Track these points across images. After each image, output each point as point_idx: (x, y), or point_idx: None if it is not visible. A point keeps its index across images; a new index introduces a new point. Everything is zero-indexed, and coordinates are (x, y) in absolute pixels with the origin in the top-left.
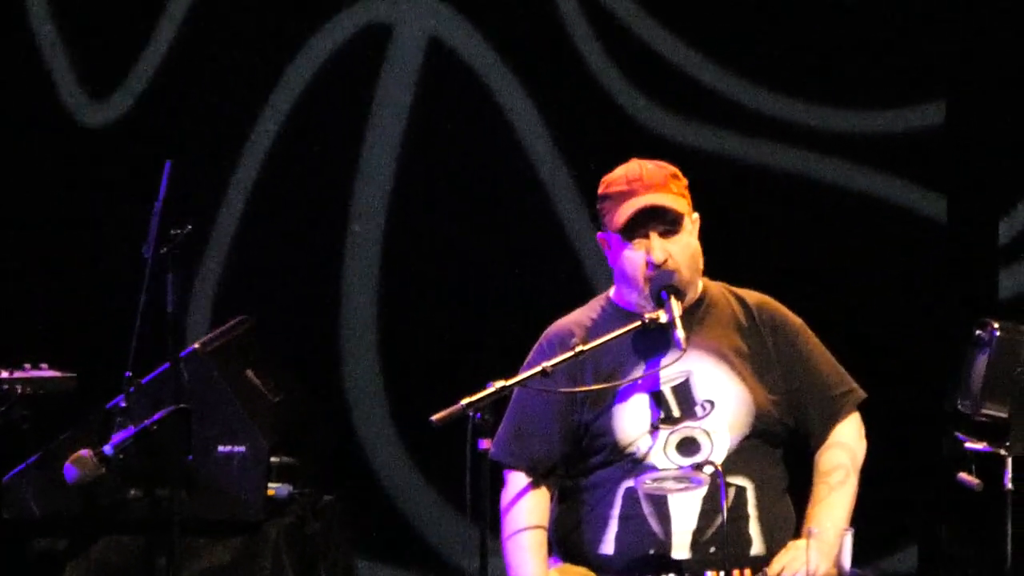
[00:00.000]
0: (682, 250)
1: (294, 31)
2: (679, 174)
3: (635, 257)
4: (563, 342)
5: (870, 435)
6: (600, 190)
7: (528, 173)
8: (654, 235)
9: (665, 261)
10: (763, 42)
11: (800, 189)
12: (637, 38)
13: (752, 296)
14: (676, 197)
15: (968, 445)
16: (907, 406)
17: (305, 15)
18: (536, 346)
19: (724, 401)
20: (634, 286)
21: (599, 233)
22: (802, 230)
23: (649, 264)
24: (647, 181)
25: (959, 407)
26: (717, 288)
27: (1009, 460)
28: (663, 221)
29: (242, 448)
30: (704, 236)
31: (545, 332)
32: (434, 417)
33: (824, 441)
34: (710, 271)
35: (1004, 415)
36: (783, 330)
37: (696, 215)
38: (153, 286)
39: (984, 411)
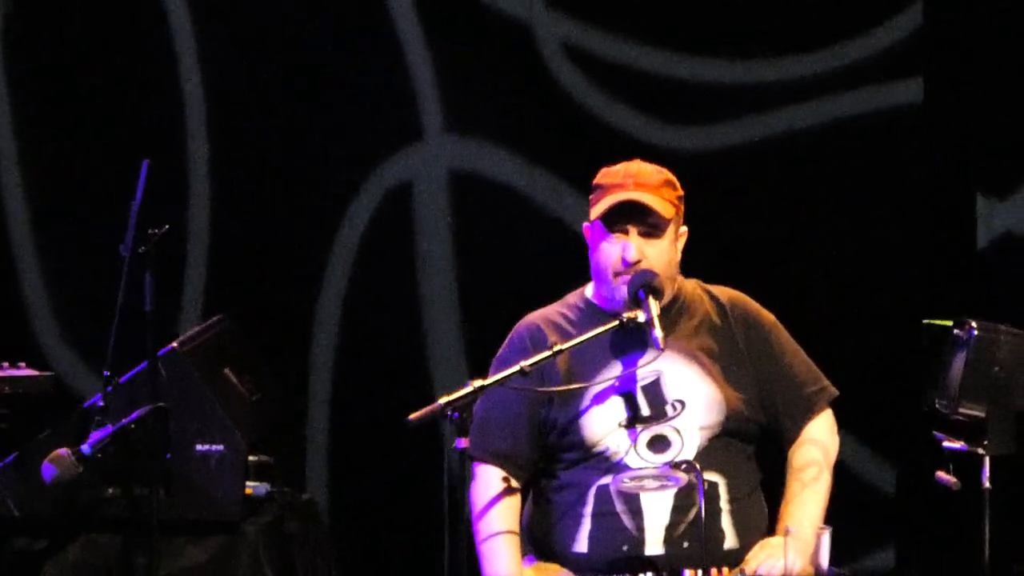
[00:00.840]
0: (659, 254)
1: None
2: (676, 183)
3: (610, 251)
4: (536, 337)
5: (847, 433)
6: (595, 179)
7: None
8: (633, 233)
9: (639, 261)
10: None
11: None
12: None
13: (725, 293)
14: (664, 202)
15: (946, 444)
16: (885, 404)
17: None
18: (508, 339)
19: (694, 401)
20: (604, 279)
21: (585, 223)
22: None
23: (623, 260)
24: (640, 179)
25: (936, 406)
26: (690, 286)
27: (987, 459)
28: (644, 222)
29: (220, 447)
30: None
31: (517, 325)
32: (411, 416)
33: (796, 438)
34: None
35: (981, 415)
36: (755, 327)
37: (684, 228)
38: (131, 285)
39: (961, 410)
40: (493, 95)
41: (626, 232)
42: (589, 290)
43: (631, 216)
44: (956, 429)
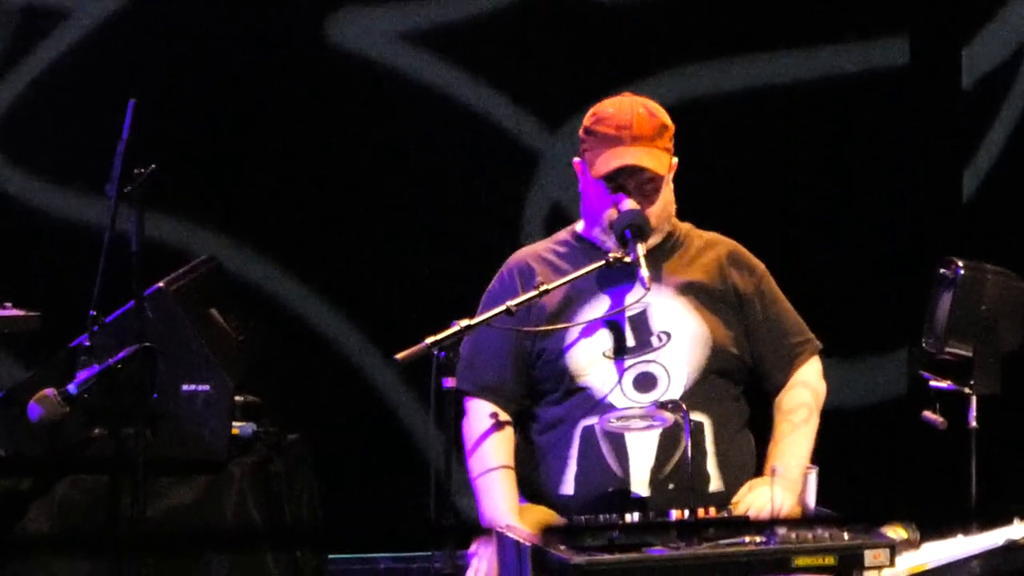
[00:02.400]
0: (654, 201)
1: None
2: (668, 122)
3: (606, 199)
4: (525, 273)
5: (836, 373)
6: (587, 121)
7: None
8: (631, 185)
9: (635, 209)
10: None
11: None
12: None
13: (718, 238)
14: (660, 154)
15: (933, 384)
16: (872, 344)
17: None
18: (498, 275)
19: (680, 333)
20: (597, 221)
21: (576, 159)
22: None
23: (619, 209)
24: (636, 131)
25: (924, 345)
26: (685, 228)
27: (973, 399)
28: (644, 179)
29: (206, 387)
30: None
31: (507, 261)
32: (398, 356)
33: (783, 386)
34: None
35: (968, 353)
36: (747, 273)
37: (675, 160)
38: (116, 224)
39: (949, 350)
40: None
41: (622, 186)
42: (580, 225)
43: (628, 175)
44: (943, 369)
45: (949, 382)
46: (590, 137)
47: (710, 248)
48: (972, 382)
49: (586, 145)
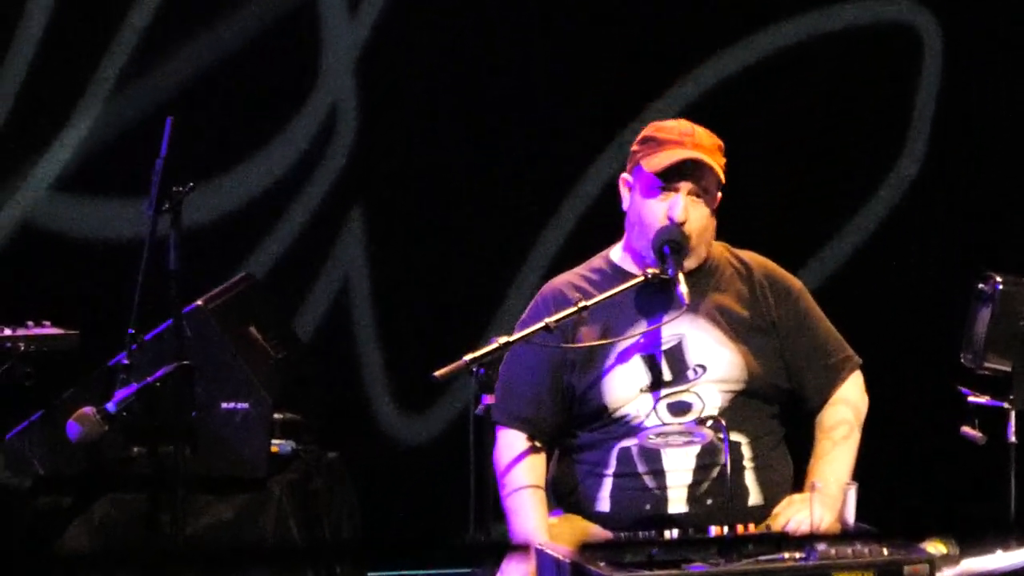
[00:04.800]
0: (701, 218)
1: None
2: (723, 148)
3: (657, 207)
4: (560, 299)
5: (875, 388)
6: (644, 132)
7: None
8: (684, 191)
9: (685, 222)
10: None
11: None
12: None
13: (753, 258)
14: (719, 165)
15: (971, 399)
16: (912, 359)
17: None
18: (532, 303)
19: (715, 365)
20: (646, 233)
21: (624, 174)
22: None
23: (669, 218)
24: (697, 140)
25: (962, 361)
26: (719, 250)
27: (1012, 414)
28: (698, 182)
29: (245, 405)
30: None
31: (542, 289)
32: (436, 373)
33: (824, 404)
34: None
35: (1007, 368)
36: (782, 293)
37: (719, 194)
38: (155, 243)
39: (987, 365)
40: None
41: (676, 189)
42: (614, 253)
43: (687, 175)
44: (982, 384)
45: (988, 397)
46: (648, 143)
47: (744, 271)
48: (1011, 397)
49: (641, 153)
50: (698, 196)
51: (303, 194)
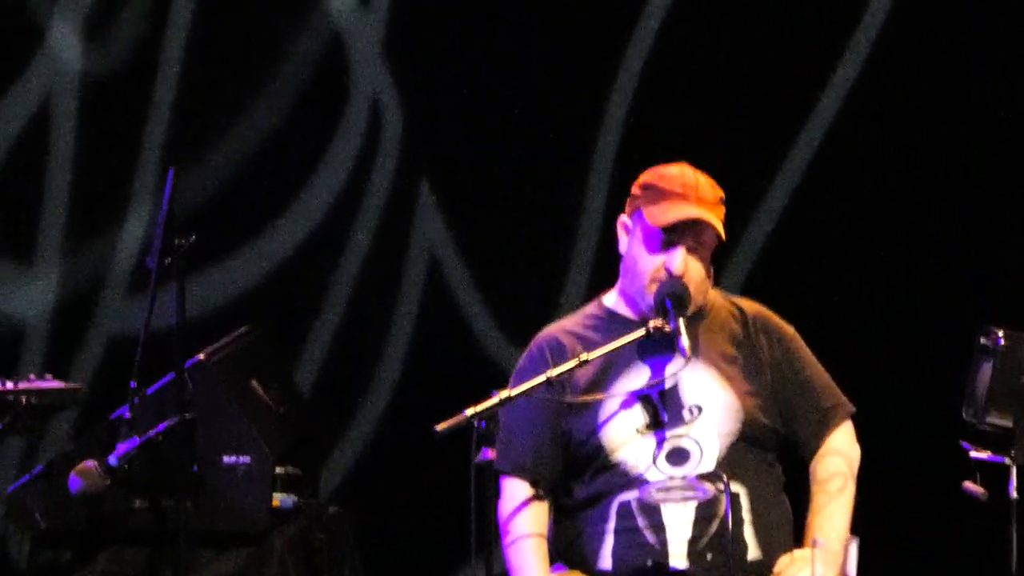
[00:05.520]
0: (698, 270)
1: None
2: (724, 199)
3: (655, 259)
4: (555, 348)
5: (874, 441)
6: (646, 178)
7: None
8: (683, 247)
9: (683, 275)
10: None
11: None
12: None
13: (747, 304)
14: (720, 222)
15: (973, 454)
16: (912, 413)
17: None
18: (527, 352)
19: (712, 406)
20: (640, 280)
21: (623, 216)
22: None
23: (667, 270)
24: (701, 194)
25: (964, 416)
26: (713, 295)
27: (1014, 469)
28: (698, 238)
29: (247, 458)
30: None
31: (535, 339)
32: (438, 427)
33: (816, 450)
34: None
35: (1009, 424)
36: (776, 339)
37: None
38: (157, 296)
39: (989, 420)
40: None
41: (676, 243)
42: (608, 298)
43: (689, 232)
44: (983, 439)
45: (989, 452)
46: (648, 192)
47: (738, 315)
48: (1013, 452)
49: (642, 200)
50: (696, 250)
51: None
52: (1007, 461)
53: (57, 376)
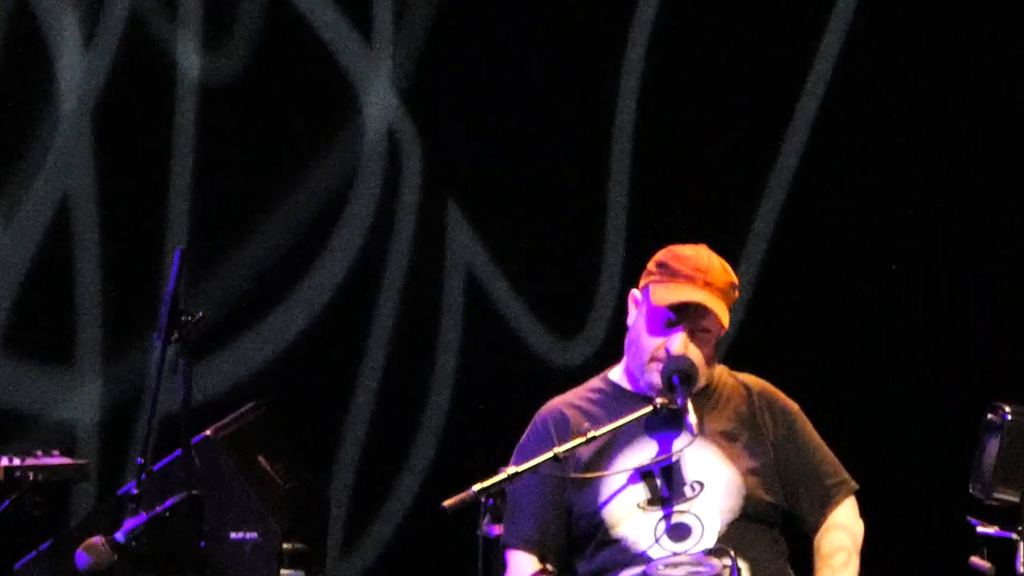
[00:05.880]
0: (698, 354)
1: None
2: (737, 285)
3: (656, 338)
4: (559, 422)
5: (882, 516)
6: (661, 256)
7: None
8: (685, 330)
9: (682, 355)
10: None
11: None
12: None
13: (752, 381)
14: (726, 309)
15: (980, 529)
16: (919, 488)
17: None
18: (531, 426)
19: (713, 482)
20: (641, 357)
21: (635, 290)
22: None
23: (666, 350)
24: (710, 279)
25: (971, 491)
26: (719, 372)
27: (1021, 544)
28: (701, 323)
29: (254, 534)
30: None
31: (539, 413)
32: (445, 503)
33: (821, 525)
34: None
35: (1016, 499)
36: (780, 415)
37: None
38: (164, 374)
39: (996, 495)
40: None
41: (679, 324)
42: (613, 373)
43: (692, 316)
44: (991, 514)
45: (997, 528)
46: (661, 270)
47: (741, 392)
48: (1020, 528)
49: (654, 277)
50: (698, 333)
51: None
52: (1015, 536)
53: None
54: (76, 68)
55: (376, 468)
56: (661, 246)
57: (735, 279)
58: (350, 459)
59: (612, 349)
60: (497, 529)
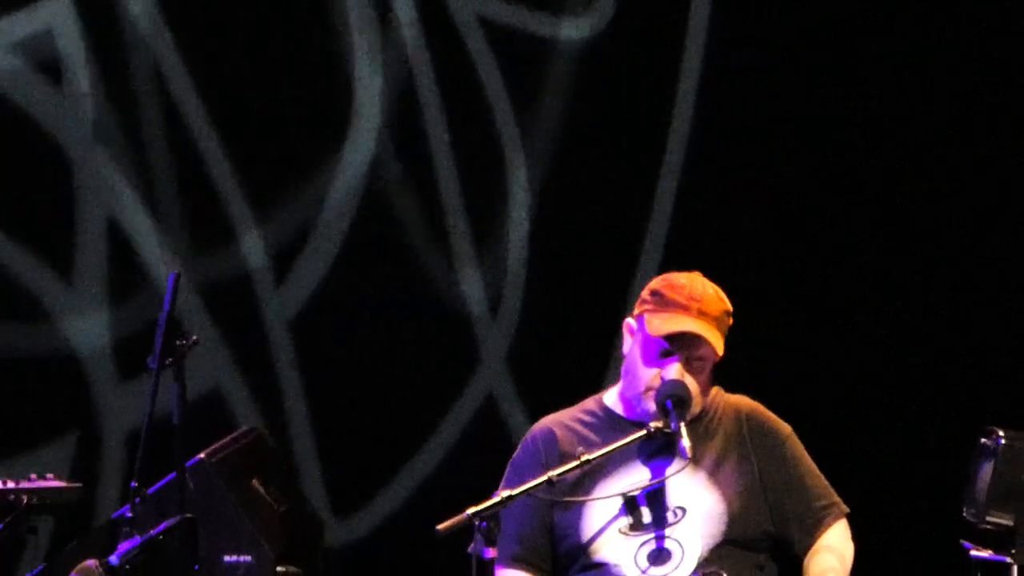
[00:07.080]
0: (693, 383)
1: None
2: (731, 310)
3: (652, 368)
4: (549, 443)
5: (875, 540)
6: (656, 284)
7: None
8: (680, 359)
9: (677, 380)
10: None
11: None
12: None
13: (743, 403)
14: (720, 338)
15: (974, 553)
16: (912, 512)
17: None
18: (523, 444)
19: (695, 508)
20: (637, 386)
21: (629, 319)
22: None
23: (662, 378)
24: (704, 307)
25: (964, 515)
26: (712, 394)
27: (1015, 568)
28: (695, 352)
29: (248, 558)
30: None
31: (532, 429)
32: (439, 527)
33: (811, 547)
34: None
35: (1010, 523)
36: (771, 440)
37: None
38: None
39: (990, 519)
40: None
41: (673, 353)
42: (608, 397)
43: (687, 346)
44: (984, 538)
45: (990, 552)
46: (656, 298)
47: (731, 415)
48: (1014, 551)
49: (649, 306)
50: (693, 362)
51: None
52: (1008, 560)
53: None
54: None
55: (368, 486)
56: None
57: (729, 306)
58: (342, 478)
59: None
60: (491, 552)
